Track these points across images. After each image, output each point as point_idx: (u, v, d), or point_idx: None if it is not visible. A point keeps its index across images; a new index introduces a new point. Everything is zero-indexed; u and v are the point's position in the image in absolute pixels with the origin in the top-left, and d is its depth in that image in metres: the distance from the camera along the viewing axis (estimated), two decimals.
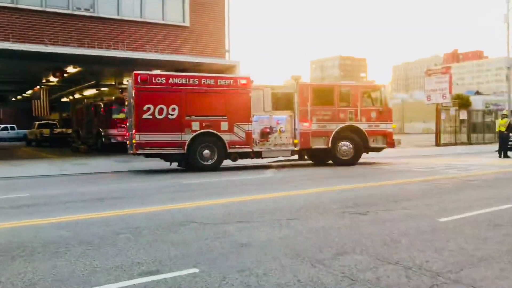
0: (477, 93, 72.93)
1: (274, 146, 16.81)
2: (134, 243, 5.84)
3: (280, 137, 16.87)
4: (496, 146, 22.72)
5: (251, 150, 16.39)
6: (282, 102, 17.19)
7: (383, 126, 17.70)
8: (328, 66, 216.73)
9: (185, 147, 15.32)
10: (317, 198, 9.24)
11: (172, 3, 24.08)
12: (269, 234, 6.21)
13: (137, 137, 15.01)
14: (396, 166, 16.84)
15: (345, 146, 17.22)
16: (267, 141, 16.79)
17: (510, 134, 21.58)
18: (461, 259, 5.04)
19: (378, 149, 18.05)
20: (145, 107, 15.00)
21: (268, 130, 16.79)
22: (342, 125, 17.12)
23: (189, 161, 15.74)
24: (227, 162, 16.50)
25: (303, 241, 5.85)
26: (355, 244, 5.66)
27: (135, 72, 15.32)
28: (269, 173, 15.05)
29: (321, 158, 18.05)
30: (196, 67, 24.30)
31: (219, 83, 15.93)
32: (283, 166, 17.48)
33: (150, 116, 15.04)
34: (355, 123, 17.28)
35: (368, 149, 17.81)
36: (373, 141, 17.54)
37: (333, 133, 17.01)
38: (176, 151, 15.40)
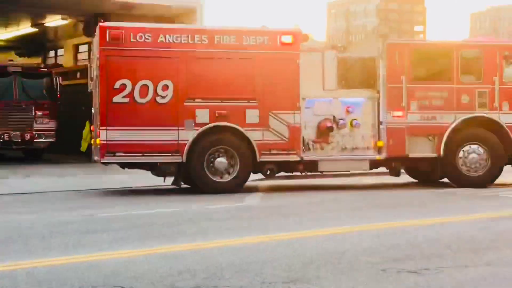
0: None
1: (340, 151, 16.61)
2: None
3: (353, 137, 16.69)
4: None
5: (299, 159, 16.17)
6: (356, 75, 16.99)
7: None
8: (357, 12, 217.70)
9: (184, 153, 15.34)
10: (338, 245, 9.26)
11: None
12: None
13: (104, 135, 15.14)
14: None
15: (475, 153, 16.89)
16: (328, 143, 16.56)
17: None
18: None
19: None
20: (117, 84, 15.15)
21: (329, 124, 16.42)
22: (465, 116, 16.85)
23: (190, 176, 15.79)
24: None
25: None
26: None
27: (100, 24, 15.54)
28: (253, 198, 15.05)
29: (424, 173, 17.96)
30: (125, 12, 24.25)
31: (244, 42, 15.97)
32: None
33: (126, 100, 15.23)
34: (491, 113, 17.00)
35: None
36: None
37: (449, 130, 16.73)
38: (168, 158, 15.44)
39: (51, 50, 31.82)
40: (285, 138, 15.93)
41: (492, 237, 10.01)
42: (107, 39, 15.19)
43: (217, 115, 15.55)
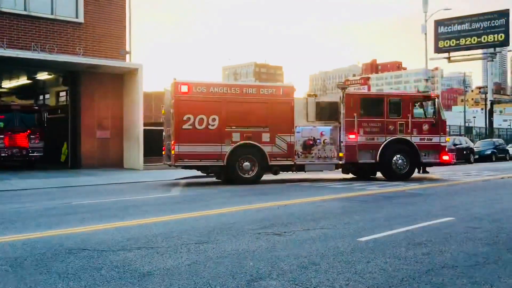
0: None
1: (317, 159, 17.36)
2: (14, 276, 5.46)
3: (324, 150, 17.44)
4: None
5: (293, 163, 16.88)
6: (326, 112, 17.67)
7: (436, 140, 18.05)
8: (242, 73, 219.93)
9: (225, 159, 16.02)
10: (230, 219, 9.25)
11: None
12: (176, 261, 6.10)
13: (176, 148, 15.73)
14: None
15: (401, 159, 17.71)
16: (310, 153, 17.31)
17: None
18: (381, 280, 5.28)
19: (430, 165, 18.63)
20: (185, 117, 15.79)
21: (311, 142, 17.30)
22: (391, 138, 17.57)
23: (228, 174, 16.44)
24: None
25: (214, 267, 5.81)
26: (271, 268, 5.73)
27: (175, 80, 16.01)
28: (176, 191, 14.85)
29: (364, 172, 18.54)
30: (91, 70, 23.57)
31: (261, 92, 16.68)
32: (192, 184, 17.36)
33: (190, 127, 15.84)
34: (406, 136, 17.72)
35: (420, 165, 18.31)
36: (425, 155, 17.95)
37: (382, 146, 17.44)
38: (215, 163, 16.06)
39: (41, 94, 30.49)
40: (285, 150, 16.71)
41: (324, 210, 10.28)
42: (179, 90, 15.84)
43: (244, 136, 16.25)
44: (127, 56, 24.82)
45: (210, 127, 15.97)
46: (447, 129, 19.60)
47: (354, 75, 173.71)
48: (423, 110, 18.87)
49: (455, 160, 20.41)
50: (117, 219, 9.36)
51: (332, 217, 9.43)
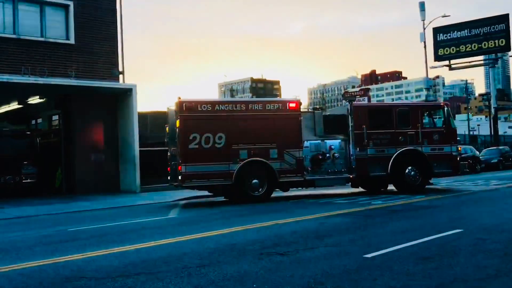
0: None
1: (327, 173, 17.31)
2: None
3: (334, 164, 17.41)
4: None
5: (303, 179, 16.79)
6: (334, 125, 17.72)
7: (447, 149, 18.09)
8: (238, 89, 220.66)
9: (233, 178, 15.92)
10: (231, 239, 9.21)
11: (53, 17, 23.39)
12: (176, 286, 6.07)
13: (184, 169, 15.65)
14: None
15: (414, 171, 17.67)
16: (320, 168, 17.27)
17: None
18: None
19: (442, 175, 18.87)
20: (191, 136, 15.78)
21: (320, 157, 17.24)
22: (402, 149, 17.53)
23: (237, 193, 16.34)
24: None
25: None
26: None
27: (180, 99, 15.94)
28: (174, 212, 14.81)
29: (375, 185, 18.58)
30: (84, 92, 23.65)
31: (267, 108, 16.66)
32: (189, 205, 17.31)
33: (197, 146, 15.80)
34: (417, 147, 17.72)
35: (432, 175, 18.30)
36: (437, 165, 17.93)
37: (392, 158, 17.39)
38: (223, 182, 15.96)
39: (33, 119, 30.53)
40: (294, 166, 16.63)
41: (328, 227, 10.25)
42: (184, 109, 15.83)
43: (252, 153, 16.20)
44: (120, 76, 24.91)
45: (216, 145, 15.94)
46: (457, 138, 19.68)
47: (353, 87, 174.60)
48: (432, 119, 18.93)
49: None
50: (115, 244, 9.31)
51: (337, 234, 9.40)
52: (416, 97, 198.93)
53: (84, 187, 23.60)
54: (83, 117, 24.28)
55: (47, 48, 22.78)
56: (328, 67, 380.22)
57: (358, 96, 20.67)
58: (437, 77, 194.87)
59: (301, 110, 17.42)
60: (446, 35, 45.87)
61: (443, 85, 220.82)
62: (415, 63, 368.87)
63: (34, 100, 27.29)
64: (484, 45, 43.85)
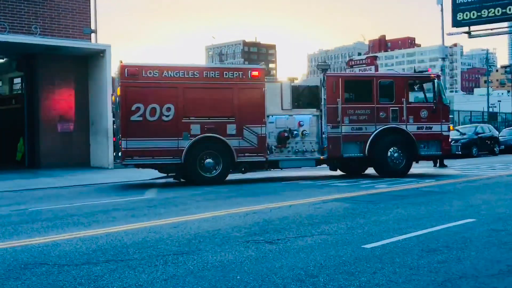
0: None
1: (295, 154, 17.14)
2: None
3: (303, 143, 17.20)
4: None
5: (265, 159, 16.68)
6: (305, 98, 17.56)
7: (436, 128, 17.90)
8: (228, 53, 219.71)
9: (183, 156, 15.82)
10: (214, 224, 9.25)
11: None
12: (150, 276, 6.09)
13: (124, 144, 15.56)
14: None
15: (397, 152, 17.61)
16: (286, 147, 17.08)
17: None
18: None
19: (430, 158, 18.84)
20: (133, 107, 15.58)
21: (286, 134, 17.00)
22: (382, 127, 17.40)
23: (187, 173, 16.29)
24: None
25: (195, 282, 5.81)
26: (261, 282, 5.74)
27: (121, 63, 15.74)
28: (151, 193, 14.84)
29: (355, 168, 18.72)
30: (51, 52, 23.44)
31: (225, 76, 16.44)
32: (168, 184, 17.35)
33: (140, 118, 15.63)
34: (400, 124, 17.56)
35: (418, 157, 18.23)
36: (424, 147, 17.84)
37: (371, 137, 17.28)
38: (171, 160, 15.93)
39: None
40: (255, 144, 16.46)
41: (324, 213, 10.30)
42: (126, 75, 15.63)
43: (206, 128, 16.04)
44: (92, 35, 24.70)
45: (164, 118, 15.79)
46: (450, 116, 19.41)
47: (359, 54, 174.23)
48: (423, 93, 18.57)
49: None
50: (81, 227, 9.33)
51: (333, 220, 9.45)
52: (431, 66, 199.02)
53: (49, 161, 23.57)
54: (49, 81, 24.11)
55: (8, 1, 22.45)
56: (332, 31, 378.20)
57: (364, 65, 20.57)
58: (455, 45, 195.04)
59: (266, 79, 17.23)
60: None
61: (461, 54, 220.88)
62: (430, 29, 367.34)
63: None
64: (509, 10, 43.68)
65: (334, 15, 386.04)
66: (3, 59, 26.33)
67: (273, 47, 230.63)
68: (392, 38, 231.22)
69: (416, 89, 18.68)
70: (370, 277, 5.89)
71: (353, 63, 21.04)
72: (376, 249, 7.15)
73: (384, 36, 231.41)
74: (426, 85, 18.52)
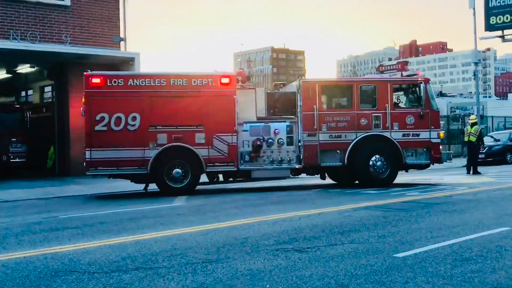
0: (441, 94, 77.24)
1: (271, 163, 16.65)
2: None
3: (279, 152, 16.70)
4: (464, 161, 24.06)
5: (235, 169, 16.34)
6: (281, 105, 17.18)
7: (424, 135, 17.01)
8: (257, 59, 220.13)
9: (149, 166, 15.66)
10: (243, 232, 9.27)
11: None
12: (179, 284, 6.12)
13: (88, 154, 15.52)
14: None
15: (380, 161, 16.82)
16: (260, 156, 16.62)
17: (481, 145, 22.88)
18: None
19: (417, 166, 17.78)
20: (98, 117, 15.56)
21: (259, 143, 16.53)
22: (363, 134, 16.75)
23: (155, 183, 16.22)
24: None
25: None
26: None
27: (85, 72, 15.80)
28: (180, 200, 14.92)
29: (343, 177, 18.10)
30: (81, 60, 23.78)
31: (193, 83, 16.20)
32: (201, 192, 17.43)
33: (105, 128, 15.56)
34: (384, 132, 16.86)
35: (404, 167, 17.44)
36: (412, 155, 17.01)
37: (351, 145, 16.64)
38: (137, 170, 15.80)
39: (22, 90, 30.91)
40: (225, 154, 16.13)
41: (354, 222, 10.24)
42: (90, 84, 15.65)
43: (173, 137, 15.84)
44: (122, 43, 24.98)
45: (129, 127, 15.67)
46: (441, 121, 17.76)
47: (390, 59, 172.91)
48: (411, 98, 17.71)
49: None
50: (111, 234, 9.43)
51: (364, 229, 9.39)
52: (463, 72, 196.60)
53: (79, 168, 23.79)
54: (79, 89, 24.32)
55: (39, 10, 22.87)
56: (361, 36, 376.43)
57: (395, 70, 20.40)
58: (488, 49, 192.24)
59: (240, 86, 16.77)
60: (499, 0, 45.04)
61: (495, 59, 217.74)
62: (463, 33, 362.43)
63: (24, 69, 27.54)
64: None
65: (364, 20, 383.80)
66: (34, 68, 26.80)
67: (301, 53, 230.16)
68: (423, 43, 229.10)
69: (403, 94, 17.94)
70: (402, 287, 5.84)
71: (383, 68, 20.97)
72: (408, 258, 7.08)
73: (415, 41, 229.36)
74: (413, 90, 17.64)
